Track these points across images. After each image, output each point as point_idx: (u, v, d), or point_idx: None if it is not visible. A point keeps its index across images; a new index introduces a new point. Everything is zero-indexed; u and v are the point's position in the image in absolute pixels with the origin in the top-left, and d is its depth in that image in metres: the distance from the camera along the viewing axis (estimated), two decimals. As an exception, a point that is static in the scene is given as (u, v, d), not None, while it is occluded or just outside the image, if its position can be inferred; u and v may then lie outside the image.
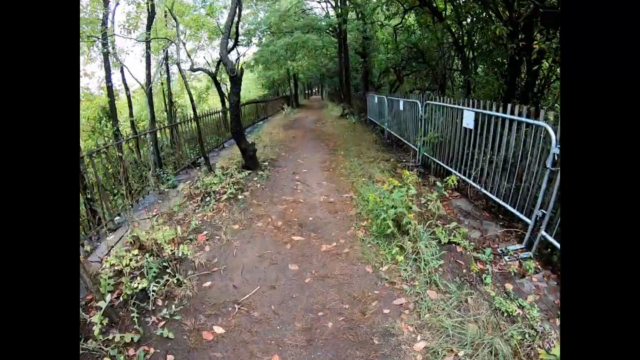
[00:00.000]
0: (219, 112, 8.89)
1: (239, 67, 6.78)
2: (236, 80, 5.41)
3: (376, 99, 11.01)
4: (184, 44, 12.62)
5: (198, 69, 10.87)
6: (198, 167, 6.92)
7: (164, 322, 2.43)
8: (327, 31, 13.16)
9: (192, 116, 8.38)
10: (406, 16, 10.38)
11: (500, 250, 3.22)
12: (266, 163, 6.47)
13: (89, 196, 4.54)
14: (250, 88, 26.93)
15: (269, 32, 12.18)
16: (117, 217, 4.61)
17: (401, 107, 7.82)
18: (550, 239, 2.83)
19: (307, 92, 44.07)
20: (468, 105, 4.52)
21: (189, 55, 11.97)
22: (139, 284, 2.71)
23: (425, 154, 6.09)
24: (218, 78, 11.26)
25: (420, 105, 6.38)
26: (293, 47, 10.97)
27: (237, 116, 5.61)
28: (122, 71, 9.10)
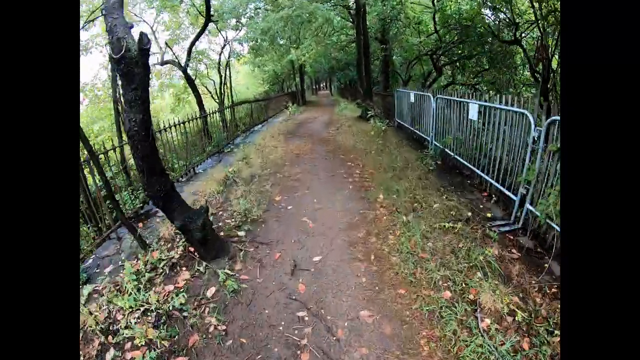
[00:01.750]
0: (183, 123, 5.92)
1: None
2: (131, 72, 2.16)
3: (412, 97, 7.90)
4: (155, 33, 9.65)
5: (167, 62, 7.94)
6: (142, 224, 4.04)
7: None
8: (339, 6, 9.96)
9: (164, 126, 5.49)
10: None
11: None
12: (242, 233, 3.50)
13: None
14: (249, 84, 23.83)
15: (262, 8, 8.93)
16: None
17: (472, 116, 4.76)
18: None
19: (315, 87, 40.89)
20: None
21: (167, 46, 8.95)
22: None
23: (548, 221, 3.00)
24: (192, 71, 8.38)
25: (532, 123, 3.32)
26: (294, 22, 7.78)
27: (151, 156, 2.46)
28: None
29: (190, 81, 7.76)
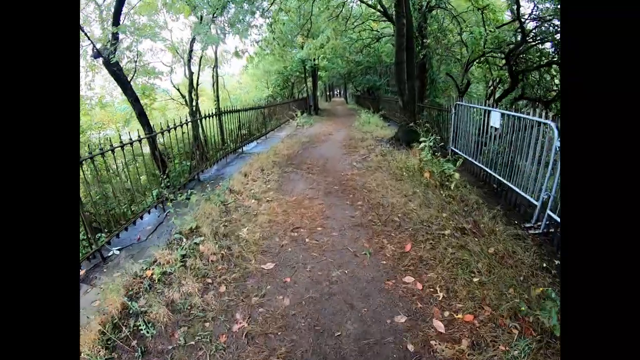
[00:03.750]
0: (92, 158, 2.81)
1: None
2: None
3: (496, 120, 4.53)
4: (102, 14, 6.54)
5: (99, 55, 4.84)
6: None
7: None
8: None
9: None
10: None
11: None
12: None
13: None
14: (251, 87, 20.70)
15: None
16: None
17: None
18: None
19: (328, 93, 37.81)
20: None
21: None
22: None
23: None
24: (124, 61, 5.21)
25: None
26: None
27: None
28: None
29: (120, 79, 4.61)
